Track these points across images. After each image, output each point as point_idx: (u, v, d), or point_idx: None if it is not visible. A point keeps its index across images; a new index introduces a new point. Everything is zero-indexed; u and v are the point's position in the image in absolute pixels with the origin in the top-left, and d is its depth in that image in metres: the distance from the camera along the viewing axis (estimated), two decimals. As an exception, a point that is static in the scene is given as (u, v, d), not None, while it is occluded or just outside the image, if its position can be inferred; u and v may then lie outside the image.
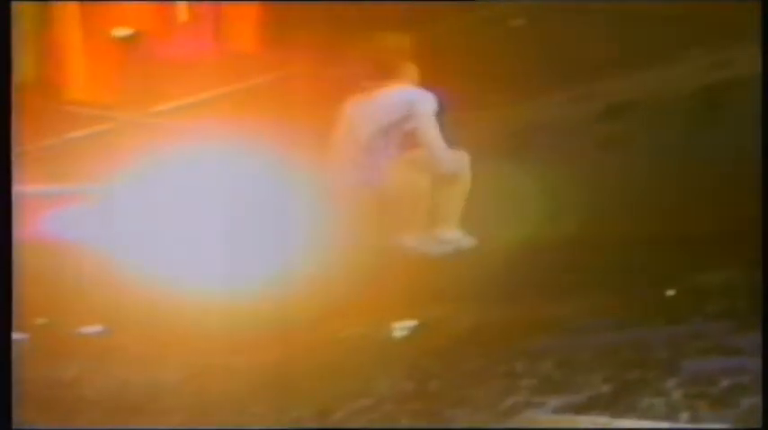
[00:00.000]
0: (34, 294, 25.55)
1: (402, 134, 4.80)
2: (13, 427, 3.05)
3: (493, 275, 24.69)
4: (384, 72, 4.77)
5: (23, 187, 20.74)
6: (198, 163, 19.68)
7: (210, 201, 20.89)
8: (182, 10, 21.30)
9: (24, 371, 31.65)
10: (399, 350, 28.72)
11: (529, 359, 30.26)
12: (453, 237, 4.46)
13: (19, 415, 29.04)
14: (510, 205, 21.42)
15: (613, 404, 18.20)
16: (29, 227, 22.94)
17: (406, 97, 4.62)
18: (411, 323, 30.46)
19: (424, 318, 29.69)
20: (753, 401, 8.71)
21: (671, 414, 10.05)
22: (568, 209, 21.57)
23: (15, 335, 30.51)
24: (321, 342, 29.07)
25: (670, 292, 19.98)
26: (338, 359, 29.35)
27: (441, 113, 4.82)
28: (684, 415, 9.70)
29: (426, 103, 4.66)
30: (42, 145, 20.21)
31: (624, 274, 19.74)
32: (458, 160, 4.80)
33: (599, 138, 18.40)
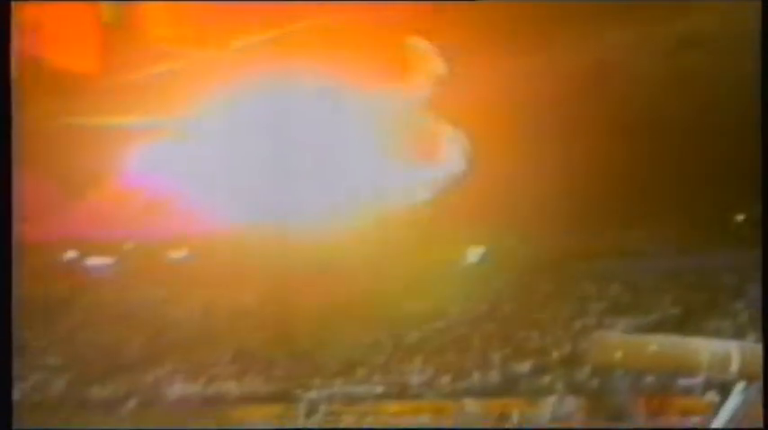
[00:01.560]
0: (122, 220, 26.59)
1: None
2: (13, 427, 3.43)
3: (564, 203, 25.13)
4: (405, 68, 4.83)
5: (110, 120, 21.56)
6: (271, 97, 20.24)
7: (283, 134, 21.48)
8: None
9: (114, 292, 32.75)
10: (473, 275, 29.33)
11: (598, 283, 30.64)
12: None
13: (115, 334, 30.00)
14: (579, 138, 21.76)
15: (681, 326, 18.74)
16: (117, 159, 23.79)
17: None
18: (484, 249, 30.97)
19: (497, 243, 30.22)
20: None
21: (738, 335, 10.57)
22: (636, 138, 21.84)
23: (105, 260, 31.51)
24: (396, 267, 29.72)
25: (738, 219, 20.30)
26: (413, 283, 30.03)
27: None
28: (751, 336, 10.17)
29: None
30: (126, 80, 20.91)
31: (692, 201, 20.07)
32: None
33: (669, 73, 18.63)
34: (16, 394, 36.58)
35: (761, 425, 4.74)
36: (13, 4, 4.22)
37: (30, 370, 34.83)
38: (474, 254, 34.29)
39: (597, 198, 25.86)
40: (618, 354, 6.94)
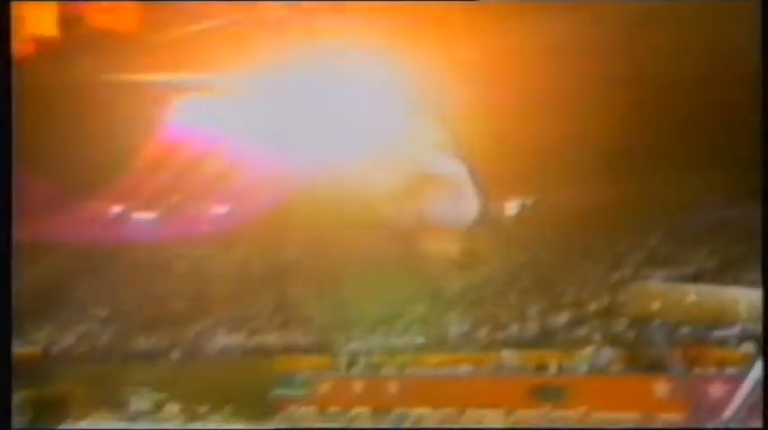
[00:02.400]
0: (165, 177, 26.98)
1: None
2: (13, 428, 3.55)
3: (602, 154, 25.17)
4: None
5: (156, 77, 21.86)
6: (313, 53, 20.41)
7: (325, 90, 21.66)
8: None
9: (157, 247, 33.29)
10: (511, 227, 29.48)
11: (637, 234, 30.71)
12: None
13: (159, 287, 30.79)
14: (620, 89, 21.76)
15: (719, 278, 18.89)
16: (158, 116, 24.13)
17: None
18: (522, 201, 31.12)
19: (535, 196, 30.34)
20: None
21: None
22: (679, 88, 21.79)
23: (144, 215, 32.14)
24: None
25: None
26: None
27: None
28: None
29: None
30: (172, 37, 21.14)
31: (731, 152, 20.05)
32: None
33: (715, 21, 18.54)
34: (65, 342, 37.41)
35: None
36: (12, 4, 4.38)
37: (77, 321, 35.63)
38: (511, 207, 34.43)
39: (636, 149, 25.84)
40: (656, 304, 7.13)
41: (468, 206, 5.34)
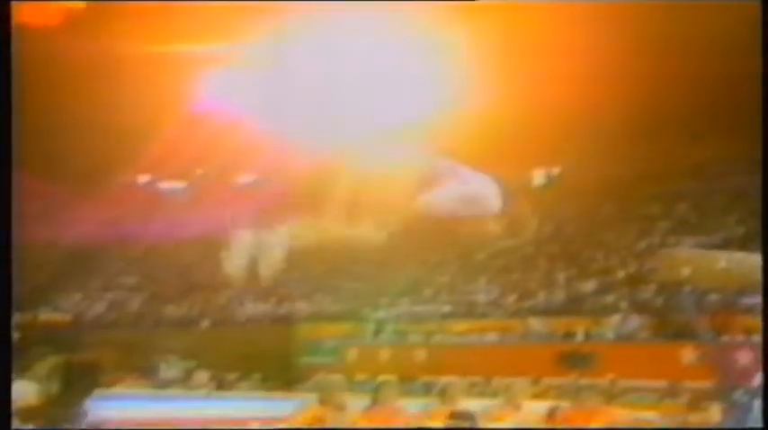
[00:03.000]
0: (193, 147, 27.05)
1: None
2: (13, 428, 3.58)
3: (630, 122, 25.05)
4: None
5: (185, 47, 21.89)
6: (340, 24, 20.38)
7: (353, 60, 21.62)
8: None
9: (186, 216, 33.34)
10: (538, 196, 29.44)
11: (664, 202, 30.60)
12: None
13: (188, 255, 30.88)
14: (648, 55, 21.61)
15: (747, 244, 18.75)
16: (188, 85, 24.17)
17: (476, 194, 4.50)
18: (550, 169, 31.02)
19: (563, 164, 30.22)
20: None
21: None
22: (706, 54, 21.61)
23: (173, 184, 32.36)
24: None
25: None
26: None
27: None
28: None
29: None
30: (196, 7, 21.16)
31: (759, 120, 19.89)
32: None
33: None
34: (95, 310, 37.64)
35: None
36: (12, 4, 4.40)
37: (106, 289, 35.91)
38: (539, 175, 34.39)
39: (664, 117, 25.71)
40: (686, 271, 7.13)
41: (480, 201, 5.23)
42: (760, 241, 7.81)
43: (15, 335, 32.52)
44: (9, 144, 4.22)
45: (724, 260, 6.95)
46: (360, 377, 25.96)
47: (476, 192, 5.06)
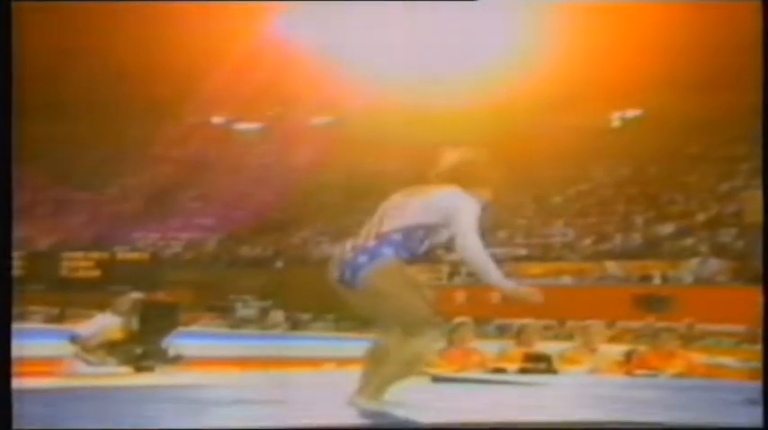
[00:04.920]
0: (267, 87, 27.09)
1: (433, 237, 4.61)
2: (13, 428, 3.65)
3: (711, 64, 24.49)
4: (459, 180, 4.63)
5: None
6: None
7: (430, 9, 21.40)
8: None
9: (261, 156, 33.67)
10: (617, 138, 28.99)
11: (747, 143, 30.06)
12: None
13: (263, 196, 31.21)
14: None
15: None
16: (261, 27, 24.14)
17: (450, 203, 4.36)
18: (630, 112, 30.55)
19: (643, 106, 29.70)
20: None
21: None
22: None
23: (248, 125, 32.61)
24: (542, 130, 29.53)
25: None
26: (558, 146, 29.78)
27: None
28: None
29: (469, 211, 4.37)
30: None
31: None
32: (499, 278, 4.50)
33: None
34: (173, 249, 38.12)
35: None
36: (13, 4, 4.35)
37: (183, 229, 36.32)
38: (619, 116, 33.94)
39: (742, 56, 25.12)
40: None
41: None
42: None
43: (95, 273, 33.28)
44: (9, 143, 4.18)
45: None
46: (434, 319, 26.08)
47: None
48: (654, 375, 8.77)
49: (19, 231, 39.91)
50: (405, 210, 4.81)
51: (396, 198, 4.94)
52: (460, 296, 26.58)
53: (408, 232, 4.75)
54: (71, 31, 28.31)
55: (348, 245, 4.79)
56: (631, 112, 32.15)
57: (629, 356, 9.63)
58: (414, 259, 4.76)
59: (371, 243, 4.68)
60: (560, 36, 22.45)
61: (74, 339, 9.74)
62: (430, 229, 4.84)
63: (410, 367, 4.72)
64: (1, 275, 4.07)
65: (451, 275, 27.57)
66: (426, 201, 4.87)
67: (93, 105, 33.74)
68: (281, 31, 26.07)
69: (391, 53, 24.17)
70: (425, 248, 4.82)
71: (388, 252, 4.68)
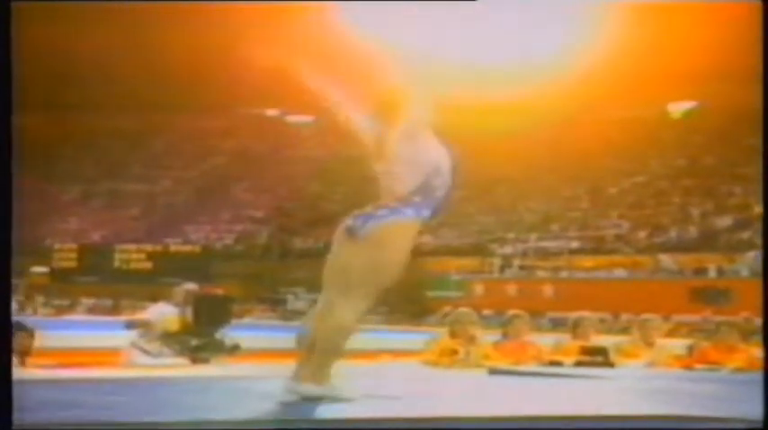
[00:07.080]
0: (323, 79, 27.04)
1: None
2: (13, 428, 3.62)
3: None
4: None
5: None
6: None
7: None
8: None
9: (313, 149, 33.79)
10: (674, 130, 28.73)
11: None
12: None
13: (315, 188, 31.31)
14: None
15: None
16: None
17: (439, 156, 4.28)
18: (686, 103, 30.23)
19: (700, 98, 29.34)
20: None
21: None
22: None
23: (300, 118, 32.73)
24: (598, 122, 29.27)
25: None
26: (613, 138, 29.50)
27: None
28: None
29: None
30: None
31: None
32: None
33: None
34: (224, 241, 38.29)
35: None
36: (12, 4, 4.31)
37: (235, 221, 36.51)
38: (676, 108, 33.58)
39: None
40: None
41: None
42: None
43: (147, 265, 33.55)
44: (9, 143, 4.16)
45: None
46: (486, 312, 26.00)
47: None
48: (715, 369, 8.64)
49: (72, 224, 40.43)
50: (407, 171, 4.75)
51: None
52: (512, 289, 26.50)
53: (424, 187, 4.71)
54: (122, 29, 28.61)
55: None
56: (688, 104, 31.82)
57: (690, 350, 9.51)
58: (435, 214, 4.73)
59: (393, 203, 4.66)
60: (617, 28, 22.25)
61: (131, 327, 9.76)
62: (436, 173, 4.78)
63: (336, 337, 4.65)
64: (1, 275, 4.07)
65: (503, 268, 27.52)
66: (414, 155, 4.78)
67: (144, 100, 34.01)
68: (335, 27, 26.03)
69: (444, 46, 24.06)
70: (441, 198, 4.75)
71: (409, 212, 4.66)
